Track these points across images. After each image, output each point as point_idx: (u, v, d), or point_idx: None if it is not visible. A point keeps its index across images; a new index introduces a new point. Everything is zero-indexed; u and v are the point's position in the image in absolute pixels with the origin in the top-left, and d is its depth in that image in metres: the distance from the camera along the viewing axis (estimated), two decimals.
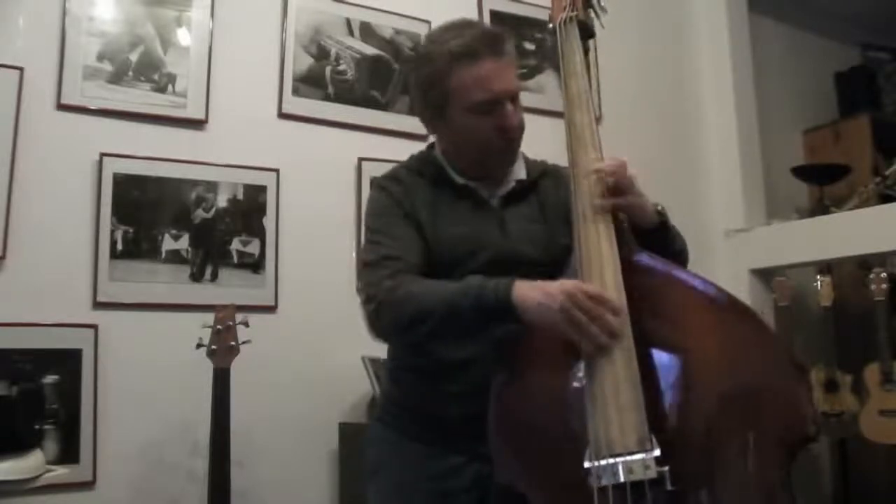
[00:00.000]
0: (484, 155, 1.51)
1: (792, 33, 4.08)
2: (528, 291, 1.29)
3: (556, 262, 1.46)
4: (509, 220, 1.53)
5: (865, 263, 3.34)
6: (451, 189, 1.54)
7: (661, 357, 1.26)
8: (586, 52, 1.57)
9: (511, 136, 1.50)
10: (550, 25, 1.61)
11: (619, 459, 1.18)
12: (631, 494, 1.15)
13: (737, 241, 3.44)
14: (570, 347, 1.27)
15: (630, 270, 1.33)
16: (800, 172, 3.67)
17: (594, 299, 1.24)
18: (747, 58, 3.64)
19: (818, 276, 3.35)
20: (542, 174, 1.62)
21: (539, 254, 1.50)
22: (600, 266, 1.33)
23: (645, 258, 1.37)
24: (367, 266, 1.46)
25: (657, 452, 1.17)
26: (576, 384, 1.28)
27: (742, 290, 3.30)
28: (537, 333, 1.31)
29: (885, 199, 3.35)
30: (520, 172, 1.58)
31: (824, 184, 3.58)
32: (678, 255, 1.52)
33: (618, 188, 1.39)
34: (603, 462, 1.18)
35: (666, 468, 1.16)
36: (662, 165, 3.36)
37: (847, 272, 3.57)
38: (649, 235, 1.43)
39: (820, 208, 3.50)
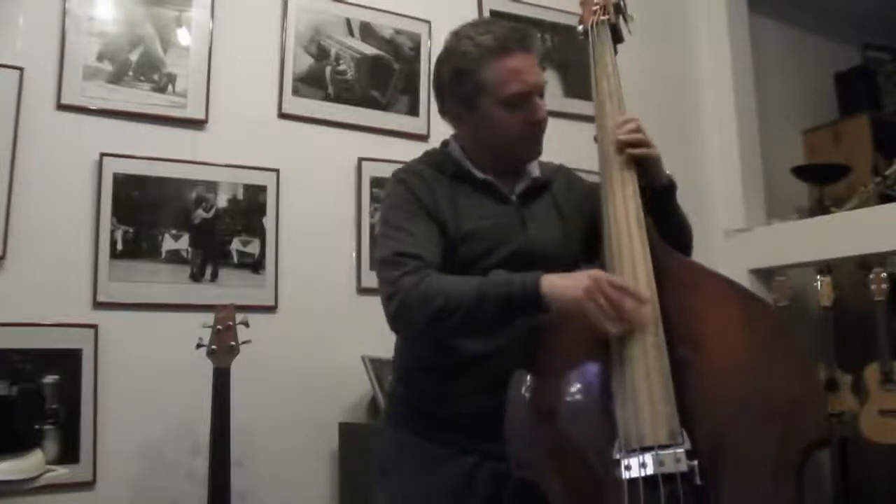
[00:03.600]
0: (511, 147, 1.53)
1: (792, 33, 4.08)
2: (556, 280, 1.32)
3: (574, 258, 1.50)
4: (529, 215, 1.54)
5: (865, 263, 3.33)
6: (470, 184, 1.54)
7: (689, 352, 1.27)
8: (616, 54, 1.62)
9: (540, 129, 1.53)
10: (581, 27, 1.67)
11: (649, 452, 1.18)
12: (662, 487, 1.16)
13: (737, 241, 3.44)
14: (598, 343, 1.29)
15: (660, 265, 1.35)
16: (800, 172, 3.66)
17: (617, 287, 1.27)
18: (747, 58, 3.64)
19: (818, 276, 3.35)
20: (555, 172, 1.64)
21: (558, 250, 1.52)
22: (632, 261, 1.35)
23: (675, 255, 1.40)
24: (385, 263, 1.45)
25: (688, 446, 1.18)
26: (603, 378, 1.30)
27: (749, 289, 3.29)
28: (562, 328, 1.34)
29: (885, 199, 3.34)
30: (535, 170, 1.59)
31: (824, 184, 3.58)
32: (684, 225, 1.58)
33: (640, 143, 1.47)
34: (633, 454, 1.19)
35: (696, 462, 1.17)
36: None
37: (847, 272, 3.56)
38: (660, 196, 1.49)
39: (820, 208, 3.50)
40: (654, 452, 1.18)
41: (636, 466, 1.18)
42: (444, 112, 1.59)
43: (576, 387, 1.33)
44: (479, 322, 1.37)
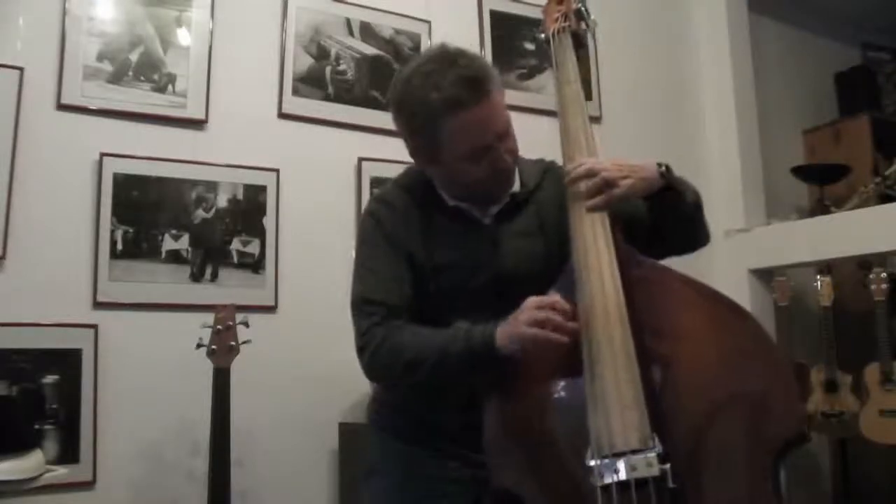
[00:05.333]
0: (478, 189, 1.49)
1: (792, 33, 4.08)
2: (506, 329, 1.33)
3: (556, 275, 1.45)
4: (504, 238, 1.51)
5: (865, 263, 3.34)
6: (442, 210, 1.52)
7: (659, 357, 1.27)
8: (578, 60, 1.60)
9: (504, 173, 1.48)
10: (542, 35, 1.66)
11: (621, 457, 1.19)
12: (634, 492, 1.16)
13: (737, 241, 3.44)
14: (567, 353, 1.29)
15: (628, 272, 1.35)
16: (800, 172, 3.67)
17: (546, 307, 1.28)
18: (747, 58, 3.64)
19: (818, 276, 3.35)
20: (542, 176, 1.59)
21: (538, 268, 1.48)
22: (599, 269, 1.35)
23: (643, 260, 1.39)
24: (354, 309, 1.49)
25: (659, 450, 1.18)
26: (574, 386, 1.30)
27: (742, 290, 3.30)
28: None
29: (885, 199, 3.34)
30: (514, 184, 1.54)
31: (824, 184, 3.58)
32: (692, 210, 1.48)
33: (605, 184, 1.39)
34: (605, 460, 1.19)
35: (668, 466, 1.17)
36: None
37: (847, 272, 3.56)
38: (658, 197, 1.43)
39: (820, 208, 3.50)
40: (625, 458, 1.18)
41: (609, 472, 1.18)
42: (409, 155, 1.53)
43: (548, 397, 1.34)
44: (447, 377, 1.40)
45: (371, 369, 1.46)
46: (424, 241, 1.49)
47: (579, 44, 1.64)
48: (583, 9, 1.65)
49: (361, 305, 1.48)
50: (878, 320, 3.15)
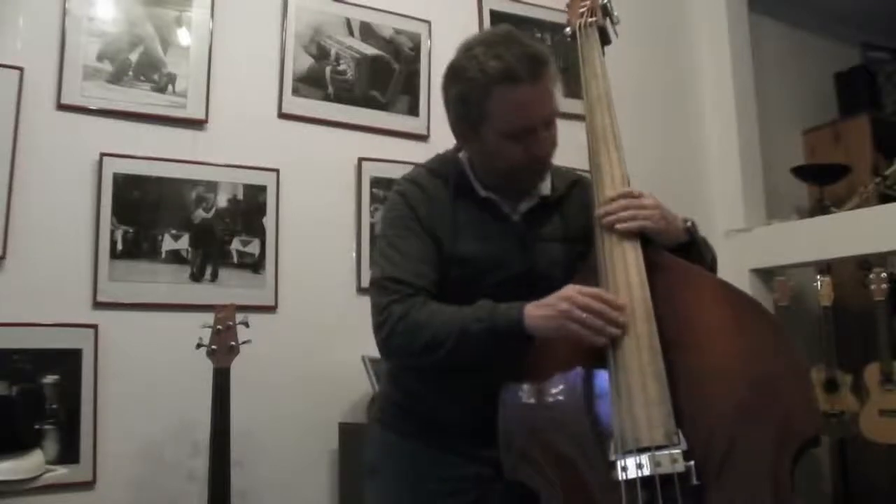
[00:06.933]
0: (512, 174, 1.48)
1: (792, 33, 4.08)
2: (535, 310, 1.31)
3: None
4: (530, 237, 1.51)
5: (865, 263, 3.34)
6: (472, 200, 1.51)
7: (684, 353, 1.27)
8: (603, 55, 1.61)
9: (541, 162, 1.48)
10: (568, 30, 1.66)
11: (645, 453, 1.18)
12: (659, 488, 1.16)
13: (737, 241, 3.44)
14: (589, 348, 1.29)
15: (653, 269, 1.35)
16: (800, 172, 3.67)
17: (592, 298, 1.27)
18: (747, 58, 3.64)
19: (818, 276, 3.35)
20: (572, 185, 1.59)
21: (558, 273, 1.47)
22: (624, 263, 1.35)
23: (668, 258, 1.39)
24: (375, 286, 1.46)
25: (684, 446, 1.18)
26: (598, 380, 1.30)
27: (742, 290, 3.29)
28: (552, 340, 1.33)
29: (885, 199, 3.35)
30: (545, 188, 1.54)
31: (824, 184, 3.58)
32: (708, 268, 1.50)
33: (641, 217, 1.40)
34: (629, 455, 1.19)
35: (692, 462, 1.17)
36: (663, 165, 3.36)
37: (847, 272, 3.57)
38: (677, 252, 1.44)
39: (820, 208, 3.50)
40: (650, 453, 1.18)
41: (633, 467, 1.18)
42: (451, 127, 1.52)
43: (570, 390, 1.33)
44: (466, 356, 1.36)
45: (387, 348, 1.42)
46: (451, 229, 1.47)
47: (605, 39, 1.64)
48: (608, 4, 1.65)
49: (383, 282, 1.44)
50: (878, 320, 3.15)
